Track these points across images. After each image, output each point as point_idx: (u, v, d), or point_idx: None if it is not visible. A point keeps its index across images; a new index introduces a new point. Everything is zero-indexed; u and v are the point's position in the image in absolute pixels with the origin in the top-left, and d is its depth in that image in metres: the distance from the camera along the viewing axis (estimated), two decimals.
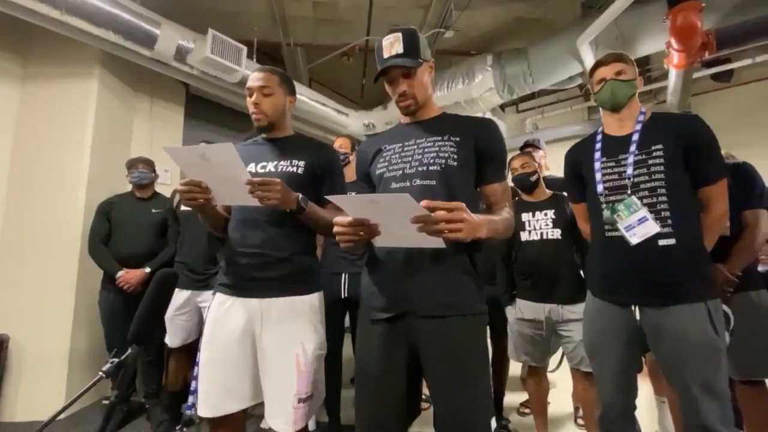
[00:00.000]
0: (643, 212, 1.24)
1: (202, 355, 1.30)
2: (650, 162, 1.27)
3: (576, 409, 2.41)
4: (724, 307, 1.32)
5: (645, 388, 1.89)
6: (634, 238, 1.25)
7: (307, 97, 3.86)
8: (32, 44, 2.71)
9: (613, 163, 1.35)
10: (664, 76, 3.74)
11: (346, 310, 2.18)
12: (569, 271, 1.86)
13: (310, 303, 1.33)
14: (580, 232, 1.65)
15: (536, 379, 2.02)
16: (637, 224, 1.24)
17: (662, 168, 1.25)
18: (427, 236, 0.87)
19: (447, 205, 0.87)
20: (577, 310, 1.75)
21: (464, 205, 0.89)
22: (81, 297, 2.57)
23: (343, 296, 2.09)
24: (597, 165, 1.38)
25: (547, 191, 2.03)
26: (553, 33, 3.30)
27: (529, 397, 2.21)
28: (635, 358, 1.36)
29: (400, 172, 1.14)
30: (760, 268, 1.76)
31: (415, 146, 1.15)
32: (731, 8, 2.54)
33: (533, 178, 2.00)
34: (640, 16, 2.74)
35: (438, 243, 0.92)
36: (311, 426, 2.21)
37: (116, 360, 0.97)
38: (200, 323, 2.24)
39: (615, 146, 1.36)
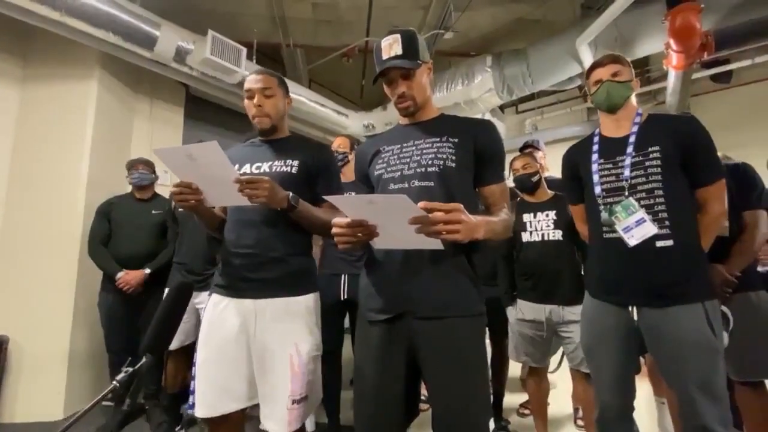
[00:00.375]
0: (641, 214, 1.25)
1: (199, 356, 1.31)
2: (647, 163, 1.27)
3: (576, 410, 2.41)
4: (723, 308, 1.33)
5: (644, 388, 1.90)
6: (632, 240, 1.25)
7: (306, 98, 3.86)
8: (32, 45, 2.71)
9: (610, 165, 1.35)
10: (664, 77, 3.74)
11: (346, 311, 2.18)
12: (570, 272, 1.86)
13: (306, 304, 1.33)
14: None
15: (536, 379, 2.02)
16: (635, 226, 1.25)
17: (659, 169, 1.25)
18: (425, 237, 0.88)
19: (444, 206, 0.87)
20: (577, 311, 1.74)
21: (462, 206, 0.89)
22: (80, 298, 2.58)
23: (342, 297, 2.09)
24: (594, 167, 1.38)
25: (549, 192, 2.03)
26: (553, 34, 3.30)
27: (529, 398, 2.21)
28: (633, 359, 1.36)
29: (399, 173, 1.14)
30: (760, 269, 1.76)
31: (414, 147, 1.15)
32: (730, 9, 2.54)
33: (535, 178, 2.00)
34: (640, 17, 2.74)
35: (436, 244, 0.92)
36: (311, 427, 2.21)
37: (130, 369, 0.97)
38: (198, 325, 2.23)
39: (612, 148, 1.36)
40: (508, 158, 1.75)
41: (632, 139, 1.32)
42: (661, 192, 1.25)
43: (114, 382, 0.93)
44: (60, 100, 2.70)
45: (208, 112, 3.79)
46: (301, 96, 3.79)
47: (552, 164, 2.78)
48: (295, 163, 1.35)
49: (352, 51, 3.93)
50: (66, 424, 0.78)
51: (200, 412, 1.26)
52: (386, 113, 4.36)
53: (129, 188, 2.62)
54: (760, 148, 3.54)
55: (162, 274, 2.36)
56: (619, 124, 1.38)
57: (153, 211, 2.54)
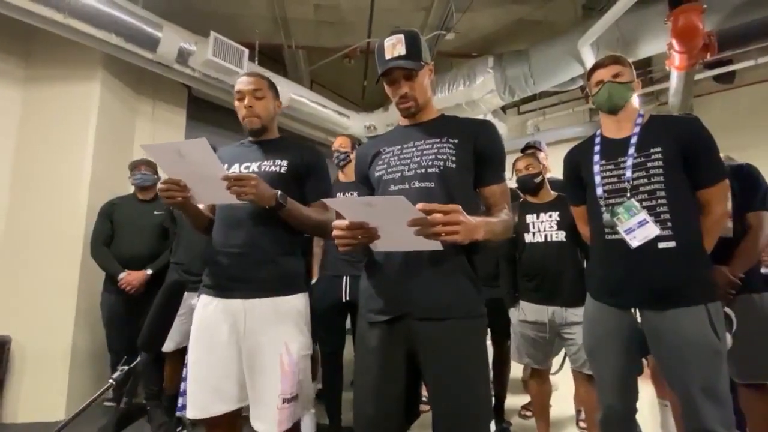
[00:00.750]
0: (643, 215, 1.24)
1: (190, 357, 1.31)
2: (649, 165, 1.27)
3: (578, 412, 2.39)
4: (727, 309, 1.32)
5: (647, 391, 1.88)
6: (634, 241, 1.24)
7: (308, 99, 3.87)
8: (35, 47, 2.73)
9: (612, 166, 1.34)
10: (666, 77, 3.73)
11: (348, 313, 2.18)
12: (573, 274, 1.85)
13: (295, 304, 1.33)
14: None
15: (538, 381, 2.01)
16: (637, 227, 1.24)
17: (661, 171, 1.25)
18: (424, 239, 0.87)
19: (443, 208, 0.86)
20: (580, 312, 1.72)
21: (461, 207, 0.89)
22: (83, 299, 2.58)
23: (344, 299, 2.09)
24: (596, 168, 1.38)
25: (552, 193, 2.03)
26: (554, 35, 3.29)
27: (531, 400, 2.20)
28: (635, 361, 1.35)
29: (399, 174, 1.14)
30: (763, 270, 1.74)
31: (414, 148, 1.15)
32: (733, 9, 2.53)
33: (537, 179, 2.00)
34: (642, 17, 2.73)
35: (435, 245, 0.92)
36: (312, 429, 2.21)
37: (126, 368, 0.97)
38: None
39: (614, 149, 1.36)
40: (510, 159, 1.75)
41: (634, 140, 1.32)
42: (663, 193, 1.24)
43: (110, 380, 0.93)
44: (63, 101, 2.71)
45: (210, 113, 3.80)
46: (303, 97, 3.80)
47: (554, 165, 2.78)
48: (284, 163, 1.36)
49: (353, 52, 3.94)
50: (61, 423, 0.78)
51: (191, 413, 1.26)
52: (387, 114, 4.36)
53: (131, 189, 2.63)
54: (764, 149, 3.55)
55: (164, 275, 2.36)
56: (620, 125, 1.38)
57: (155, 212, 2.54)
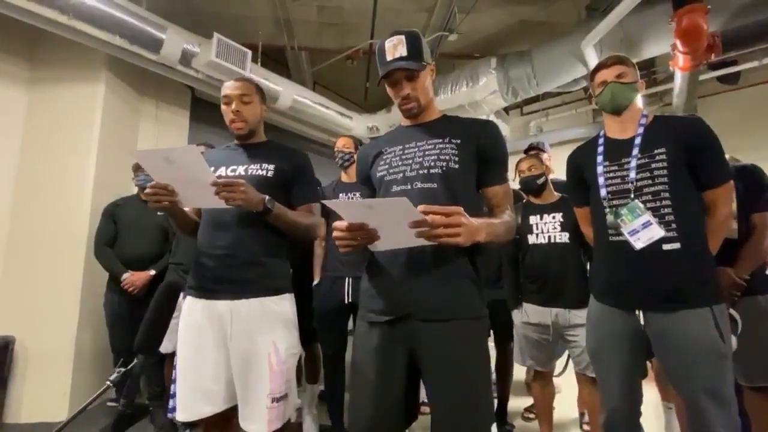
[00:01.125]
0: (647, 216, 1.23)
1: (178, 359, 1.31)
2: (653, 165, 1.26)
3: (581, 414, 2.38)
4: (732, 311, 1.31)
5: (652, 393, 1.87)
6: (639, 243, 1.23)
7: (310, 100, 3.87)
8: (39, 48, 2.74)
9: (615, 167, 1.33)
10: (670, 78, 3.70)
11: (350, 314, 2.17)
12: (577, 275, 1.84)
13: (281, 303, 1.34)
14: None
15: (542, 383, 2.00)
16: (642, 228, 1.23)
17: (665, 171, 1.24)
18: (425, 240, 0.87)
19: (445, 210, 0.86)
20: (584, 314, 1.71)
21: (462, 209, 0.88)
22: (86, 299, 2.59)
23: (347, 301, 2.08)
24: (600, 169, 1.37)
25: (555, 194, 2.02)
26: (558, 35, 3.28)
27: (534, 402, 2.19)
28: (640, 364, 1.34)
29: (401, 174, 1.13)
30: None
31: (416, 149, 1.15)
32: (737, 10, 2.51)
33: (540, 180, 1.99)
34: (645, 18, 2.72)
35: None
36: (314, 431, 2.21)
37: (123, 369, 0.98)
38: None
39: (617, 150, 1.35)
40: (513, 160, 1.74)
41: (638, 140, 1.31)
42: (667, 194, 1.23)
43: (107, 382, 0.93)
44: (67, 102, 2.72)
45: (213, 114, 3.76)
46: (306, 98, 3.81)
47: (557, 166, 2.77)
48: (271, 167, 1.37)
49: (356, 53, 3.94)
50: (61, 424, 0.78)
51: (180, 416, 1.27)
52: (390, 115, 4.36)
53: (135, 190, 2.64)
54: None
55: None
56: (624, 126, 1.37)
57: (158, 213, 2.54)
